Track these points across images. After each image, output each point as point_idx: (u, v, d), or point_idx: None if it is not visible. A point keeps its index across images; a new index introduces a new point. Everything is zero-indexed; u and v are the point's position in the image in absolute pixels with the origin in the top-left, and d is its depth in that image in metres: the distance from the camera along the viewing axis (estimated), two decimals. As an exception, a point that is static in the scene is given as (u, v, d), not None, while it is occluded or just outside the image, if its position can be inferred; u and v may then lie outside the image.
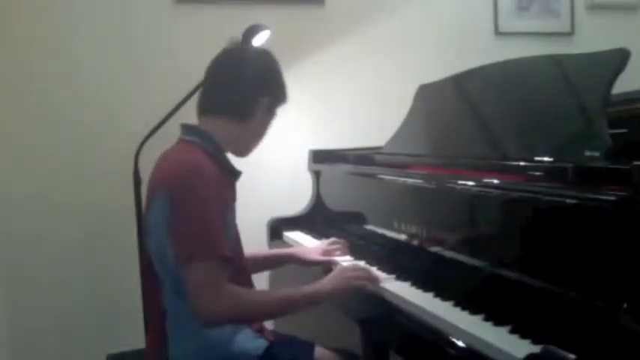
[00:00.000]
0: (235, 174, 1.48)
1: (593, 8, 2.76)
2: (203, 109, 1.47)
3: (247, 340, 1.38)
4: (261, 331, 1.45)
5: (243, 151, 1.53)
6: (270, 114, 1.50)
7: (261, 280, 2.17)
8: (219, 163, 1.39)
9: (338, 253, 1.76)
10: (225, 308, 1.28)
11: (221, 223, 1.32)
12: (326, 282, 1.42)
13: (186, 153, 1.38)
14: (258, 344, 1.39)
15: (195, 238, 1.27)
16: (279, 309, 1.40)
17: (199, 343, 1.34)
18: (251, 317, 1.40)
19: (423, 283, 1.36)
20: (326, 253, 1.76)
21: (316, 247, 1.81)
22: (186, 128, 1.45)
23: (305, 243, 1.97)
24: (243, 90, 1.45)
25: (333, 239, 1.82)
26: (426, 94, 2.02)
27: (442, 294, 1.28)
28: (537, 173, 1.22)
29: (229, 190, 1.43)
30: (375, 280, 1.42)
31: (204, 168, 1.32)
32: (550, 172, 1.20)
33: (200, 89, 1.51)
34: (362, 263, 1.60)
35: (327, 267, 1.72)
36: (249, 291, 1.42)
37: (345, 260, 1.70)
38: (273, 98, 1.48)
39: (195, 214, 1.28)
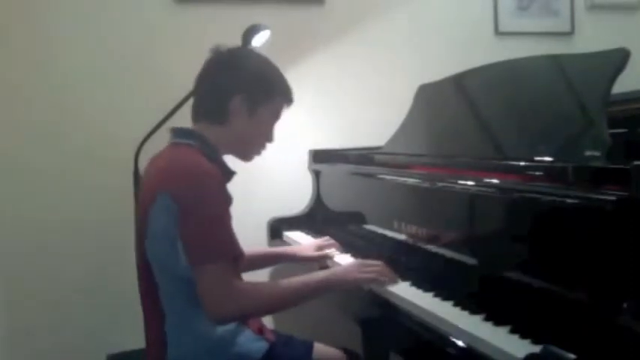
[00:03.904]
0: (230, 175, 1.47)
1: (593, 8, 2.76)
2: (192, 116, 1.49)
3: (248, 341, 1.38)
4: (261, 332, 1.45)
5: (242, 154, 1.51)
6: (256, 112, 1.44)
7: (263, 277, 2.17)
8: (217, 164, 1.39)
9: (332, 249, 1.79)
10: (239, 306, 1.30)
11: (230, 223, 1.34)
12: (342, 271, 1.45)
13: (186, 155, 1.37)
14: (259, 346, 1.39)
15: (210, 240, 1.28)
16: (293, 299, 1.39)
17: (200, 345, 1.34)
18: (264, 312, 1.44)
19: (422, 283, 1.36)
20: (320, 249, 1.80)
21: (310, 244, 1.85)
22: (179, 132, 1.45)
23: (305, 243, 1.97)
24: (213, 91, 1.45)
25: (327, 237, 1.86)
26: (426, 94, 2.03)
27: (442, 294, 1.28)
28: (537, 173, 1.22)
29: (227, 191, 1.43)
30: (392, 279, 1.42)
31: (209, 170, 1.33)
32: (550, 172, 1.20)
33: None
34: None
35: (321, 263, 1.76)
36: (261, 286, 1.41)
37: (342, 257, 1.72)
38: (249, 95, 1.43)
39: (208, 215, 1.29)
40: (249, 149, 1.51)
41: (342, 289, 1.46)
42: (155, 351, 1.39)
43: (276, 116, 1.51)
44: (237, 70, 1.45)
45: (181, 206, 1.28)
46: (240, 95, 1.42)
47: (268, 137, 1.52)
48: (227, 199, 1.38)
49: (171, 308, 1.36)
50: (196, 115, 1.48)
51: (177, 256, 1.29)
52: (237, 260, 1.34)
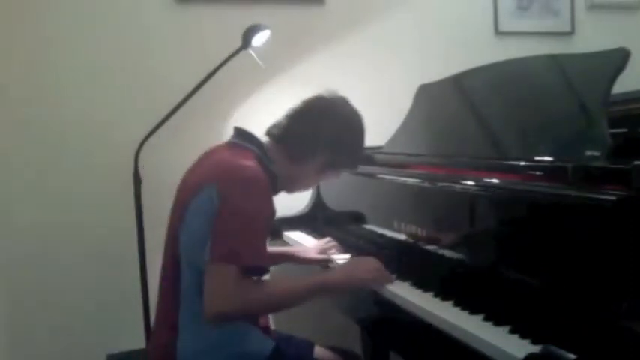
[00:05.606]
0: (277, 190, 1.50)
1: (593, 8, 2.76)
2: (270, 132, 1.51)
3: (257, 339, 1.39)
4: (267, 332, 1.46)
5: (288, 189, 1.56)
6: (325, 171, 1.52)
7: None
8: (269, 176, 1.41)
9: (334, 251, 1.80)
10: (237, 308, 1.30)
11: (265, 234, 1.36)
12: (340, 274, 1.46)
13: (240, 157, 1.39)
14: (267, 344, 1.40)
15: (236, 240, 1.29)
16: (292, 301, 1.40)
17: (211, 340, 1.34)
18: (261, 313, 1.46)
19: (422, 282, 1.36)
20: (322, 251, 1.80)
21: (313, 246, 1.85)
22: (242, 133, 1.48)
23: (305, 243, 1.98)
24: (308, 138, 1.48)
25: (328, 238, 1.86)
26: (426, 94, 2.02)
27: (442, 294, 1.28)
28: (537, 173, 1.22)
29: (273, 203, 1.44)
30: (389, 280, 1.42)
31: (260, 176, 1.35)
32: (550, 172, 1.20)
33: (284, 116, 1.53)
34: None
35: (324, 265, 1.75)
36: (262, 291, 1.40)
37: (344, 258, 1.72)
38: (332, 158, 1.50)
39: (246, 218, 1.30)
40: (296, 188, 1.59)
41: (343, 291, 1.48)
42: (165, 341, 1.39)
43: (336, 177, 1.60)
44: (338, 130, 1.50)
45: (223, 201, 1.29)
46: (328, 155, 1.49)
47: (314, 185, 1.58)
48: (270, 210, 1.39)
49: (188, 297, 1.37)
50: (276, 135, 1.50)
51: (205, 250, 1.29)
52: (259, 272, 1.35)
